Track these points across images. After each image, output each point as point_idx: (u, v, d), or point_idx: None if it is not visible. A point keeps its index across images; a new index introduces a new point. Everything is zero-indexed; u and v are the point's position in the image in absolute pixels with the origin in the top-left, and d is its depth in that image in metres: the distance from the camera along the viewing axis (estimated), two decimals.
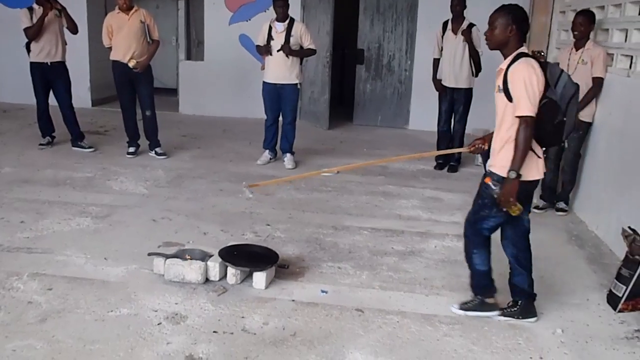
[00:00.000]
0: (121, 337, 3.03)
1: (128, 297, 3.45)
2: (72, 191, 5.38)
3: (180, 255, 3.74)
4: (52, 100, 6.77)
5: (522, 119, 3.01)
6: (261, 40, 6.37)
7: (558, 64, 3.36)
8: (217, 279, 3.65)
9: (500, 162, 3.13)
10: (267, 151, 6.65)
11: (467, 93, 6.53)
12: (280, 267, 3.82)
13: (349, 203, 5.36)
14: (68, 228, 4.50)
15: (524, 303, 3.40)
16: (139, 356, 2.88)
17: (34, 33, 6.40)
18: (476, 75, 6.51)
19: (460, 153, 6.70)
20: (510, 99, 3.05)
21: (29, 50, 6.57)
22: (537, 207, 5.35)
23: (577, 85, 3.22)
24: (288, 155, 6.55)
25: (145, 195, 5.35)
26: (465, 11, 6.42)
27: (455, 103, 6.56)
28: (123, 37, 6.28)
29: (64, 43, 6.67)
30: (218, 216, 4.87)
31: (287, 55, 6.22)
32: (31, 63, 6.59)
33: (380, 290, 3.70)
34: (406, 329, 3.24)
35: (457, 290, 3.73)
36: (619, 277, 3.54)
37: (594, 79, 5.00)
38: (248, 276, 3.69)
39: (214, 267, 3.66)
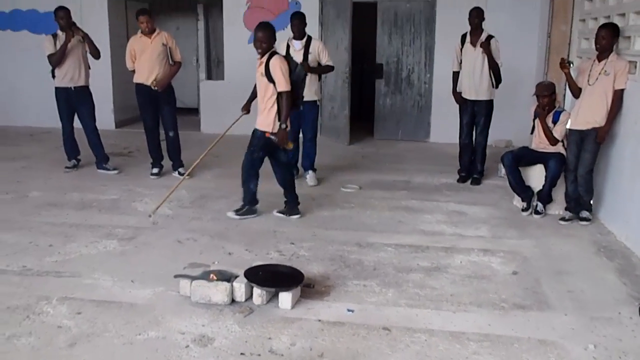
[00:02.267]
0: None
1: (155, 319, 3.47)
2: (98, 214, 5.45)
3: (205, 276, 3.75)
4: (77, 123, 6.88)
5: (283, 93, 4.91)
6: None
7: (296, 61, 5.26)
8: (243, 299, 3.66)
9: (263, 122, 5.07)
10: None
11: (488, 105, 6.50)
12: (305, 286, 3.81)
13: (373, 219, 5.35)
14: (95, 251, 4.55)
15: (290, 205, 5.34)
16: None
17: (57, 60, 6.53)
18: (496, 87, 6.49)
19: (483, 166, 6.67)
20: (270, 80, 4.90)
21: (54, 76, 6.70)
22: (563, 219, 5.29)
23: (305, 73, 5.25)
24: (310, 172, 6.56)
25: (170, 216, 5.39)
26: (483, 23, 6.41)
27: (476, 115, 6.53)
28: (146, 60, 6.39)
29: (88, 67, 6.79)
30: (242, 236, 4.89)
31: (305, 73, 6.25)
32: (56, 88, 6.72)
33: (407, 308, 3.67)
34: (434, 348, 3.21)
35: (485, 306, 3.69)
36: None
37: (616, 91, 4.96)
38: (274, 296, 3.69)
39: (240, 288, 3.66)
